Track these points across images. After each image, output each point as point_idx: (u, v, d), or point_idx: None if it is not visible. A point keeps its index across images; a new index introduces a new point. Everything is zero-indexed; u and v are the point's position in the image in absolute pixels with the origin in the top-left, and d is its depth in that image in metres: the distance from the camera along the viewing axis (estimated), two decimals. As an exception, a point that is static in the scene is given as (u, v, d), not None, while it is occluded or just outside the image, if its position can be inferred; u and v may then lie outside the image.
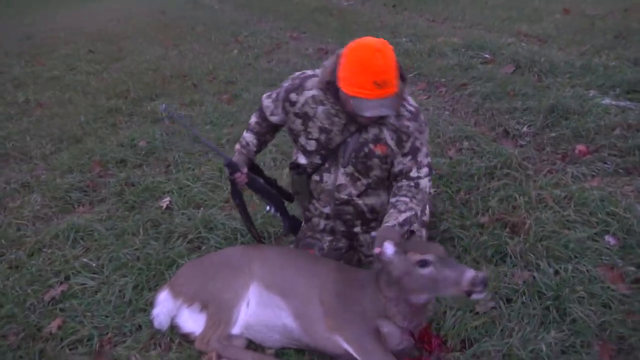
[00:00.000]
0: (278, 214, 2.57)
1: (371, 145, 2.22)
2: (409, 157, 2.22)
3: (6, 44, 10.16)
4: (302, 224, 2.68)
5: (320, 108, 2.22)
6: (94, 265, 2.69)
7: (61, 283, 2.58)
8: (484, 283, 1.77)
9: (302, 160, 2.38)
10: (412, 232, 2.32)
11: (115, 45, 9.16)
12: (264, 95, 2.48)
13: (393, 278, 1.95)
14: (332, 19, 9.82)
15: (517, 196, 2.95)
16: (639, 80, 4.50)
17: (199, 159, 3.97)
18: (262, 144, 2.56)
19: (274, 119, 2.43)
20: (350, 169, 2.30)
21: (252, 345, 2.13)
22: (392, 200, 2.21)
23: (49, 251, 2.85)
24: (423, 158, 2.24)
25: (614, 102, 4.25)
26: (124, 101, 5.64)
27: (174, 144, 4.26)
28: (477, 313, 2.20)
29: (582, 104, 4.15)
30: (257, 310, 2.12)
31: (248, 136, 2.53)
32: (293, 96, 2.28)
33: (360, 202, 2.39)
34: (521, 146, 3.80)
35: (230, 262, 2.26)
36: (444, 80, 5.44)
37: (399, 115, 2.18)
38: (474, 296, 1.82)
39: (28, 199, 3.48)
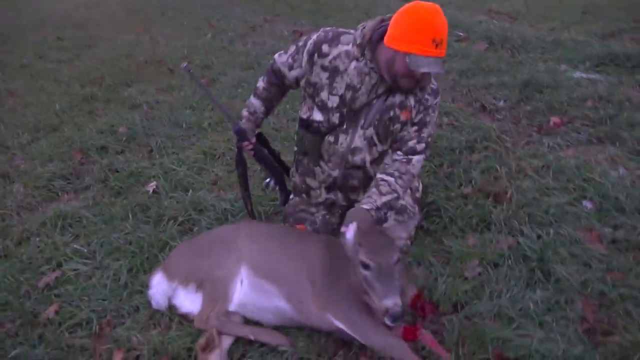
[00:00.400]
0: (277, 187, 2.60)
1: (397, 110, 2.23)
2: (415, 128, 2.25)
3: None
4: (291, 196, 2.66)
5: (353, 64, 2.20)
6: (85, 251, 2.67)
7: (54, 270, 2.56)
8: (392, 317, 1.80)
9: (318, 116, 2.33)
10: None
11: (84, 32, 8.90)
12: (277, 55, 2.46)
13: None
14: (304, 0, 9.74)
15: (497, 167, 3.06)
16: (607, 54, 4.67)
17: (182, 143, 3.95)
18: (269, 110, 2.56)
19: (293, 73, 2.39)
20: (370, 131, 2.27)
21: (248, 322, 2.15)
22: (378, 176, 2.22)
23: (38, 239, 2.81)
24: (426, 135, 2.27)
25: (584, 75, 4.41)
26: (99, 88, 5.52)
27: (155, 129, 4.22)
28: (467, 278, 2.30)
29: (555, 78, 4.29)
30: (248, 291, 2.12)
31: (256, 103, 2.51)
32: (325, 47, 2.25)
33: (370, 168, 2.39)
34: (498, 120, 3.91)
35: (221, 240, 2.27)
36: (419, 58, 5.49)
37: (423, 88, 2.21)
38: (384, 319, 1.84)
39: (10, 189, 3.41)
